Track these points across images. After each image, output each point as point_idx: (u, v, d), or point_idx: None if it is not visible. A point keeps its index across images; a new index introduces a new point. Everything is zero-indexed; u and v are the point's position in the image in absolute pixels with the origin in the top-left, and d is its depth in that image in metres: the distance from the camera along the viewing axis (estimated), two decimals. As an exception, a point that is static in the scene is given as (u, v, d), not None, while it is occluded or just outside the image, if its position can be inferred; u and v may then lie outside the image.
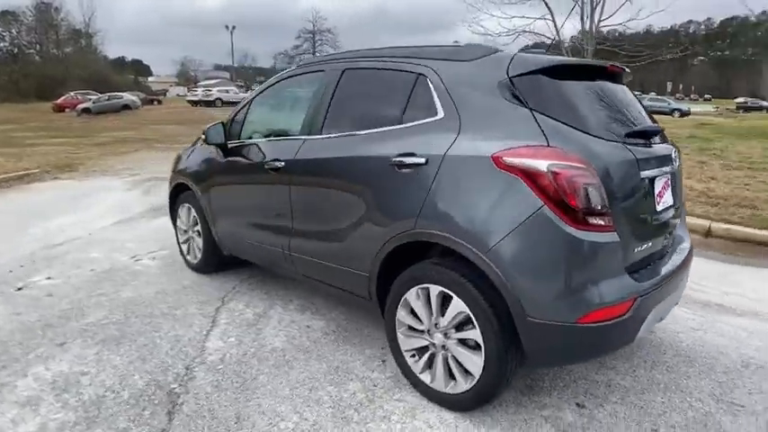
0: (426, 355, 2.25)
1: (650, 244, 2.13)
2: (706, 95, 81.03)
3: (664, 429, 2.09)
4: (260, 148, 3.14)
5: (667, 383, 2.44)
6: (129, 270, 4.06)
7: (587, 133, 1.96)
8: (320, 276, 2.82)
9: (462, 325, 2.08)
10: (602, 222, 1.86)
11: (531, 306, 1.86)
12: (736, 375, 2.51)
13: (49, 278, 3.87)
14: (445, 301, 2.12)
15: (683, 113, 34.75)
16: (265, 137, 3.24)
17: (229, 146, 3.36)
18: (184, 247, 4.13)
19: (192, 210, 3.88)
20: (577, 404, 2.27)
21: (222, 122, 3.40)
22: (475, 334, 2.02)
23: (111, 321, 3.11)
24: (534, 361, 2.01)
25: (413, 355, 2.32)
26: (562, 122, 1.96)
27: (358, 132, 2.53)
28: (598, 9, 11.04)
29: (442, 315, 2.14)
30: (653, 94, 41.85)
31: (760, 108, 48.21)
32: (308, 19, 76.03)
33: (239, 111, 3.48)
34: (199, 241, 3.88)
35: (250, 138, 3.32)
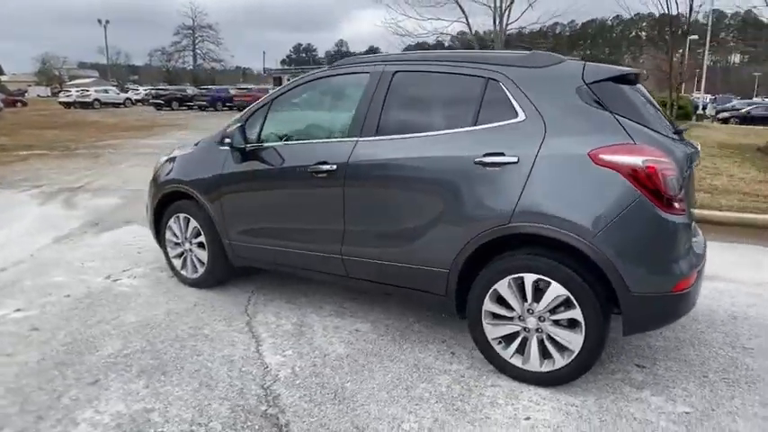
0: (517, 341, 2.41)
1: (694, 225, 2.53)
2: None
3: (712, 375, 2.52)
4: (296, 151, 3.02)
5: (690, 339, 2.90)
6: (113, 292, 3.61)
7: (656, 131, 2.27)
8: (381, 278, 2.82)
9: (559, 307, 2.28)
10: (679, 206, 2.18)
11: (633, 282, 2.11)
12: (732, 326, 3.07)
13: (18, 310, 3.29)
14: (539, 287, 2.30)
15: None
16: (294, 139, 3.13)
17: (248, 149, 3.17)
18: (177, 262, 3.78)
19: (193, 220, 3.57)
20: (637, 365, 2.61)
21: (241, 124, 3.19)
22: (574, 313, 2.22)
23: (138, 350, 2.78)
24: (631, 329, 2.28)
25: (499, 342, 2.46)
26: (636, 122, 2.24)
27: (426, 134, 2.58)
28: (506, 13, 12.06)
29: (537, 301, 2.32)
30: None
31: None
32: (186, 14, 70.30)
33: (255, 112, 3.29)
34: (201, 254, 3.58)
35: (271, 140, 3.18)
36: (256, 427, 2.13)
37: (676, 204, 2.15)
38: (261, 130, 3.22)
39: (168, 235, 3.77)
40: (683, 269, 2.18)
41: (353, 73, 2.99)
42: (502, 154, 2.32)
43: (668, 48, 18.14)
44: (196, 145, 3.71)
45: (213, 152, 3.44)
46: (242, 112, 3.39)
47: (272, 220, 3.18)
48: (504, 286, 2.37)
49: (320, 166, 2.84)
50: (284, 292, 3.60)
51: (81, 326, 3.07)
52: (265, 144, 3.16)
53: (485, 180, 2.36)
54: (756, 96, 48.28)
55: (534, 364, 2.37)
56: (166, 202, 3.74)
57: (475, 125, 2.47)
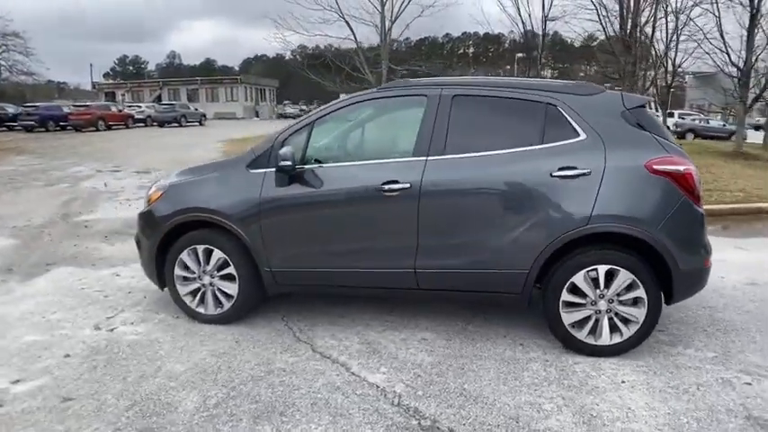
0: (590, 323, 2.88)
1: None
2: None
3: (709, 329, 3.32)
4: (357, 172, 3.07)
5: (674, 307, 3.71)
6: (123, 344, 3.13)
7: (674, 145, 2.97)
8: (455, 286, 3.04)
9: (627, 290, 2.81)
10: (701, 202, 2.90)
11: (682, 262, 2.75)
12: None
13: (18, 381, 2.66)
14: (610, 275, 2.81)
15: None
16: (345, 160, 3.16)
17: (298, 170, 3.09)
18: (190, 300, 3.42)
19: (218, 251, 3.28)
20: (657, 330, 3.28)
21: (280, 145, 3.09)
22: (638, 293, 2.78)
23: (226, 397, 2.53)
24: (677, 298, 2.91)
25: (573, 326, 2.91)
26: (663, 138, 2.91)
27: (498, 151, 2.91)
28: (389, 32, 12.90)
29: (607, 287, 2.82)
30: None
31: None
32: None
33: (293, 134, 3.22)
34: (228, 287, 3.32)
35: (318, 161, 3.17)
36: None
37: (700, 200, 2.87)
38: (305, 151, 3.17)
39: (178, 270, 3.39)
40: (708, 249, 2.90)
41: (409, 95, 3.17)
42: (575, 167, 2.78)
43: (528, 66, 20.94)
44: (196, 172, 3.44)
45: (244, 176, 3.25)
46: (278, 134, 3.27)
47: (330, 241, 3.15)
48: (579, 278, 2.83)
49: (392, 185, 2.95)
50: (317, 315, 3.53)
51: (125, 386, 2.64)
52: (322, 165, 3.12)
53: (562, 190, 2.79)
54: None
55: (605, 339, 2.87)
56: (173, 235, 3.36)
57: (542, 143, 2.88)
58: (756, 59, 13.18)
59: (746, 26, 13.07)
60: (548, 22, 18.17)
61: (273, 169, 3.16)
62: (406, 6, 12.87)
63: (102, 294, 3.98)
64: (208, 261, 3.33)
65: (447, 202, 2.96)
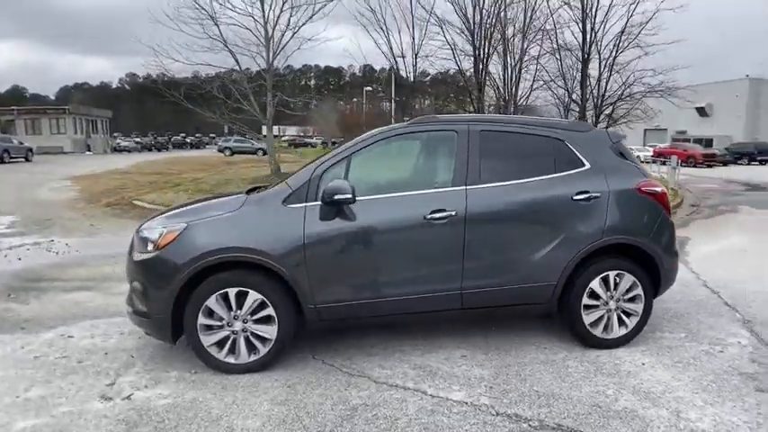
0: (604, 319, 3.44)
1: None
2: (259, 135, 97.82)
3: (690, 318, 4.17)
4: (403, 201, 3.21)
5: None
6: (159, 410, 2.73)
7: (644, 170, 3.76)
8: (495, 301, 3.34)
9: (629, 290, 3.45)
10: (671, 215, 3.70)
11: (666, 263, 3.48)
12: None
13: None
14: (618, 279, 3.42)
15: (266, 152, 41.68)
16: (386, 191, 3.27)
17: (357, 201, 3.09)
18: (216, 350, 3.11)
19: (254, 292, 3.07)
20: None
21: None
22: (639, 291, 3.44)
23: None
24: (661, 292, 3.61)
25: (591, 325, 3.43)
26: (637, 165, 3.67)
27: (524, 180, 3.35)
28: (273, 61, 12.86)
29: (616, 289, 3.42)
30: (234, 137, 46.96)
31: (305, 144, 63.62)
32: None
33: (329, 167, 3.23)
34: (264, 330, 3.11)
35: (360, 194, 3.22)
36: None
37: (671, 213, 3.68)
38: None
39: (202, 319, 3.07)
40: (677, 250, 3.71)
41: (440, 130, 3.44)
42: (588, 192, 3.36)
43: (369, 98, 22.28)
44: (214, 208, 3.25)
45: (282, 211, 3.14)
46: (314, 167, 3.23)
47: (379, 271, 3.20)
48: (596, 283, 3.39)
49: (439, 213, 3.17)
50: (347, 348, 3.50)
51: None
52: (367, 197, 3.17)
53: (581, 211, 3.34)
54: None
55: (616, 333, 3.46)
56: (196, 280, 3.05)
57: (556, 172, 3.41)
58: (590, 95, 16.50)
59: (580, 69, 16.37)
60: (418, 59, 19.96)
61: (317, 203, 3.13)
62: (289, 41, 13.02)
63: (70, 361, 3.33)
64: (240, 305, 3.09)
65: (487, 227, 3.28)
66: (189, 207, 3.60)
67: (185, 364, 3.28)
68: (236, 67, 12.51)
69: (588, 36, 16.49)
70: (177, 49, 11.76)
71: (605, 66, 16.57)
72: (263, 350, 3.14)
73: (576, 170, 3.45)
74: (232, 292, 3.07)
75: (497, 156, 3.42)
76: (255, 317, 3.11)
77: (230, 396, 2.87)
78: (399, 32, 21.39)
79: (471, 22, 19.68)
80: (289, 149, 57.12)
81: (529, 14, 17.63)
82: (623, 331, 3.48)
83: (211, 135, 76.80)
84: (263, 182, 12.85)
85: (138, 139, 49.38)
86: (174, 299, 3.04)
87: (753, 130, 38.99)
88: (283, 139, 69.62)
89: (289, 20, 12.73)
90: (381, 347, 3.53)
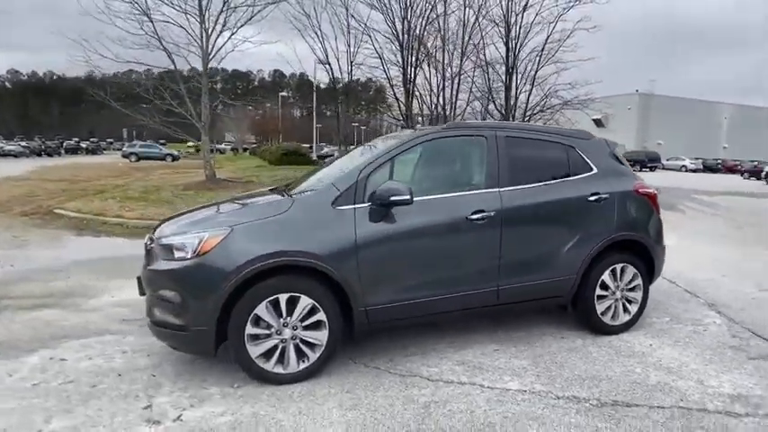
0: (612, 308, 3.81)
1: None
2: (161, 140, 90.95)
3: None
4: (447, 203, 3.31)
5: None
6: (223, 430, 2.52)
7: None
8: (523, 296, 3.55)
9: (631, 281, 3.86)
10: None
11: (658, 254, 3.95)
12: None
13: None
14: (624, 270, 3.81)
15: (175, 158, 39.14)
16: (427, 192, 3.35)
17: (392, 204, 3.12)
18: (263, 361, 2.96)
19: (305, 297, 2.97)
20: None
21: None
22: (639, 281, 3.86)
23: None
24: (653, 281, 4.07)
25: (602, 314, 3.79)
26: (630, 170, 4.12)
27: (547, 182, 3.62)
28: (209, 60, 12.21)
29: (621, 280, 3.82)
30: (140, 142, 43.22)
31: (212, 150, 60.65)
32: None
33: (375, 169, 3.24)
34: (314, 336, 3.03)
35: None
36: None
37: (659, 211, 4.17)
38: (390, 185, 3.23)
39: (250, 329, 2.90)
40: (665, 242, 4.22)
41: (470, 135, 3.60)
42: (599, 193, 3.72)
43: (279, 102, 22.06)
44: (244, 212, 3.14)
45: (332, 213, 3.08)
46: (360, 169, 3.21)
47: (427, 271, 3.26)
48: (607, 275, 3.75)
49: (479, 214, 3.33)
50: (385, 350, 3.51)
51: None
52: (420, 198, 3.21)
53: (596, 210, 3.69)
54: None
55: (621, 319, 3.85)
56: (239, 291, 2.89)
57: (571, 176, 3.74)
58: (515, 105, 17.83)
59: (505, 81, 17.63)
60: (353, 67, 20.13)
61: (365, 204, 3.12)
62: (227, 41, 12.46)
63: (81, 386, 2.96)
64: (291, 311, 2.97)
65: (519, 226, 3.50)
66: (207, 212, 3.39)
67: (220, 378, 3.07)
68: (172, 67, 11.67)
69: (511, 52, 17.86)
70: (107, 45, 10.70)
71: (526, 80, 18.08)
72: (313, 357, 3.04)
73: (586, 174, 3.80)
74: (283, 298, 2.94)
75: (521, 160, 3.66)
76: (305, 323, 3.01)
77: (293, 407, 2.75)
78: (336, 39, 21.51)
79: (400, 32, 20.35)
80: (196, 155, 54.10)
81: (456, 29, 18.71)
82: (627, 318, 3.89)
83: (109, 140, 70.32)
84: (197, 188, 12.18)
85: (24, 143, 43.62)
86: (219, 309, 2.84)
87: (642, 140, 44.59)
88: (189, 144, 65.80)
89: (225, 21, 12.21)
90: (415, 347, 3.58)
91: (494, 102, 18.60)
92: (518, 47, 17.97)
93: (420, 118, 21.78)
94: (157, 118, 11.85)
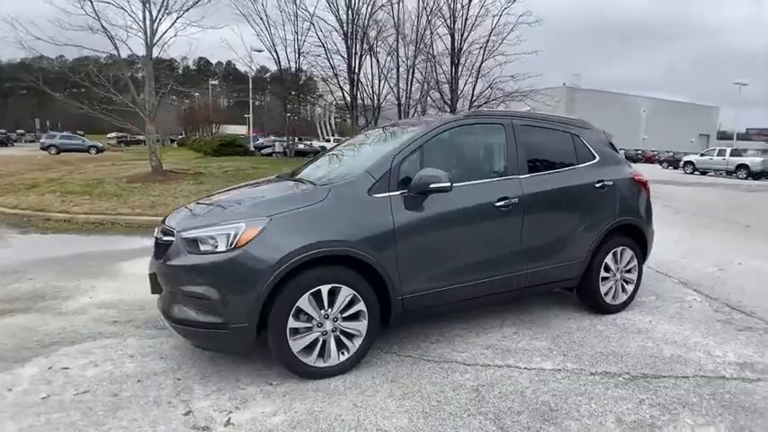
0: (613, 287, 4.05)
1: None
2: (78, 131, 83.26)
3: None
4: (475, 190, 3.35)
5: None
6: (281, 430, 2.41)
7: None
8: (543, 280, 3.69)
9: (628, 263, 4.12)
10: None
11: (650, 237, 4.24)
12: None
13: None
14: (623, 253, 4.06)
15: (100, 150, 36.12)
16: (456, 180, 3.36)
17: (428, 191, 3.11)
18: (305, 356, 2.85)
19: (346, 288, 2.89)
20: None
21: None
22: (635, 263, 4.14)
23: (507, 416, 2.46)
24: (646, 260, 4.35)
25: (605, 295, 4.03)
26: (624, 159, 4.39)
27: (558, 170, 3.77)
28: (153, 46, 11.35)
29: (621, 262, 4.07)
30: (60, 133, 39.18)
31: (137, 141, 56.91)
32: None
33: (407, 156, 3.20)
34: (353, 327, 2.96)
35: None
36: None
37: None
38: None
39: (293, 323, 2.79)
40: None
41: (490, 123, 3.65)
42: (603, 180, 3.93)
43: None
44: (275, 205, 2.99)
45: (369, 201, 3.02)
46: (392, 155, 3.15)
47: (460, 257, 3.29)
48: (609, 258, 3.99)
49: (504, 201, 3.41)
50: (410, 340, 3.51)
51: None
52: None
53: (601, 197, 3.90)
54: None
55: (620, 299, 4.11)
56: (279, 287, 2.76)
57: (578, 164, 3.92)
58: (461, 95, 18.30)
59: (451, 71, 18.02)
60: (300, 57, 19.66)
61: (399, 192, 3.09)
62: (173, 23, 11.62)
63: (99, 396, 2.71)
64: (332, 303, 2.87)
65: (540, 212, 3.62)
66: (230, 202, 3.18)
67: (253, 376, 2.92)
68: (114, 52, 10.69)
69: (456, 44, 18.28)
70: (42, 26, 9.57)
71: (470, 71, 18.61)
72: (353, 349, 2.97)
73: (590, 162, 4.01)
74: (325, 289, 2.83)
75: (535, 148, 3.78)
76: (345, 314, 2.93)
77: (345, 401, 2.67)
78: (284, 26, 20.86)
79: (345, 21, 20.16)
80: (118, 147, 50.34)
81: (402, 18, 18.85)
82: (624, 297, 4.17)
83: (19, 131, 63.53)
84: (144, 180, 11.30)
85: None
86: (261, 303, 2.69)
87: (569, 131, 47.60)
88: (109, 136, 60.94)
89: (168, 2, 11.36)
90: (438, 335, 3.60)
91: (441, 92, 19.02)
92: (463, 39, 18.47)
93: (363, 109, 21.83)
94: (97, 107, 10.81)
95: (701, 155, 29.06)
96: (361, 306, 2.95)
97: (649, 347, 3.42)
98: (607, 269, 4.01)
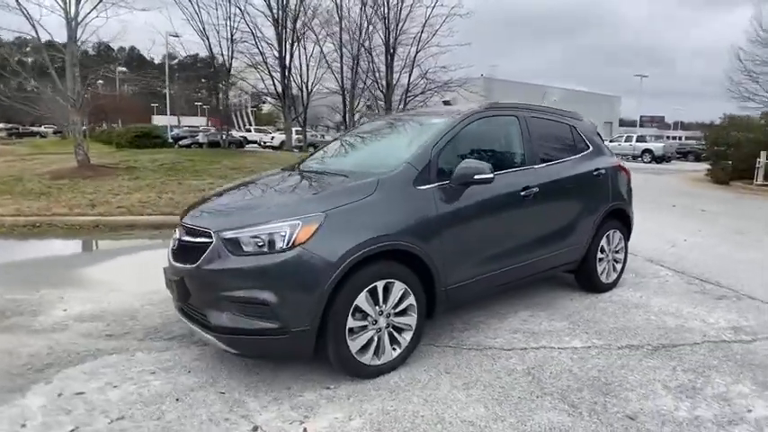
0: (606, 269, 4.36)
1: None
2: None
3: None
4: (505, 179, 3.41)
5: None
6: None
7: None
8: (546, 266, 3.86)
9: (617, 244, 4.46)
10: None
11: (631, 216, 4.61)
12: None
13: None
14: (613, 235, 4.38)
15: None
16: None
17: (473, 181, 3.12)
18: (361, 354, 2.76)
19: (398, 283, 2.83)
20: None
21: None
22: (622, 244, 4.50)
23: (574, 391, 2.56)
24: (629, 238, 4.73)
25: (600, 275, 4.33)
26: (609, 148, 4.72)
27: (564, 159, 3.97)
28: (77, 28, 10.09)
29: (613, 243, 4.39)
30: None
31: (32, 134, 50.81)
32: None
33: (444, 146, 3.20)
34: (404, 321, 2.91)
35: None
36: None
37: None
38: (455, 161, 3.21)
39: (351, 322, 2.68)
40: None
41: (506, 115, 3.72)
42: (599, 169, 4.21)
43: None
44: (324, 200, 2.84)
45: (415, 193, 2.97)
46: (430, 146, 3.12)
47: (495, 246, 3.37)
48: (604, 240, 4.28)
49: (527, 190, 3.53)
50: (437, 333, 3.52)
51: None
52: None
53: (598, 183, 4.17)
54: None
55: (611, 278, 4.44)
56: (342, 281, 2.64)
57: (577, 153, 4.15)
58: (396, 83, 18.47)
59: (386, 61, 18.11)
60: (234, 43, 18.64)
61: (439, 183, 3.07)
62: (91, 11, 10.37)
63: (140, 421, 2.42)
64: (386, 299, 2.80)
65: (554, 200, 3.79)
66: (268, 198, 3.01)
67: (301, 382, 2.78)
68: (33, 34, 9.29)
69: (391, 35, 18.39)
70: None
71: (405, 62, 18.84)
72: (404, 343, 2.93)
73: (586, 152, 4.27)
74: (380, 285, 2.75)
75: (543, 139, 3.95)
76: (397, 309, 2.87)
77: (414, 397, 2.62)
78: (217, 9, 19.70)
79: (275, 7, 19.44)
80: (9, 140, 44.42)
81: (338, 5, 18.57)
82: (615, 276, 4.51)
83: None
84: (72, 176, 10.05)
85: None
86: (324, 304, 2.55)
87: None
88: (-1, 127, 53.51)
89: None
90: (461, 323, 3.65)
91: (377, 82, 19.07)
92: (399, 29, 18.61)
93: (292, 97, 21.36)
94: (12, 94, 9.39)
95: (611, 141, 31.84)
96: (411, 300, 2.90)
97: (653, 320, 3.75)
98: (602, 251, 4.31)
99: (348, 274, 2.61)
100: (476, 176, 3.05)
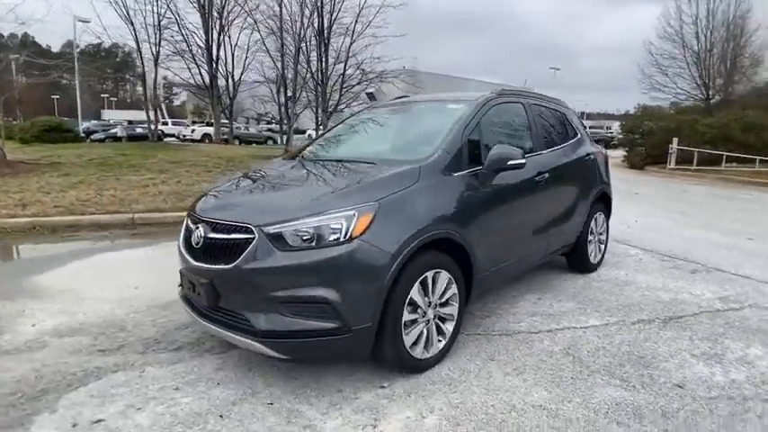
0: (594, 250, 4.59)
1: None
2: None
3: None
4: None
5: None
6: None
7: None
8: (555, 247, 3.99)
9: (602, 226, 4.70)
10: None
11: (610, 190, 4.89)
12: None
13: None
14: (600, 217, 4.62)
15: None
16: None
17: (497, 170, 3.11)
18: (413, 348, 2.65)
19: (444, 273, 2.75)
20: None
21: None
22: (605, 225, 4.75)
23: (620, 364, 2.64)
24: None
25: (590, 254, 4.55)
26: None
27: (563, 144, 4.10)
28: None
29: (597, 224, 4.62)
30: None
31: None
32: None
33: (471, 132, 3.14)
34: (447, 312, 2.85)
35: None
36: (679, 329, 3.36)
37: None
38: (483, 147, 3.19)
39: (406, 315, 2.56)
40: None
41: (514, 102, 3.74)
42: (590, 154, 4.40)
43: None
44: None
45: (452, 181, 2.90)
46: (461, 131, 3.06)
47: (520, 232, 3.41)
48: (593, 223, 4.50)
49: (540, 175, 3.60)
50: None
51: None
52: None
53: (590, 168, 4.37)
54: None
55: (597, 258, 4.69)
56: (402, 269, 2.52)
57: (569, 140, 4.31)
58: (330, 73, 18.15)
59: (318, 52, 17.68)
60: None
61: (471, 169, 3.02)
62: None
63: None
64: (433, 290, 2.71)
65: (559, 184, 3.89)
66: (306, 187, 2.82)
67: (349, 383, 2.62)
68: None
69: (325, 26, 18.01)
70: None
71: (339, 53, 18.56)
72: (448, 333, 2.86)
73: (576, 138, 4.44)
74: (430, 275, 2.65)
75: (545, 125, 4.05)
76: (442, 299, 2.79)
77: (473, 388, 2.56)
78: None
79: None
80: None
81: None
82: (599, 257, 4.77)
83: None
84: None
85: None
86: (384, 298, 2.40)
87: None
88: None
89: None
90: (477, 310, 3.64)
91: (311, 72, 18.61)
92: (332, 19, 18.25)
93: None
94: None
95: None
96: (454, 289, 2.83)
97: (648, 295, 4.01)
98: (591, 232, 4.53)
99: (405, 266, 2.48)
100: (509, 162, 3.03)
